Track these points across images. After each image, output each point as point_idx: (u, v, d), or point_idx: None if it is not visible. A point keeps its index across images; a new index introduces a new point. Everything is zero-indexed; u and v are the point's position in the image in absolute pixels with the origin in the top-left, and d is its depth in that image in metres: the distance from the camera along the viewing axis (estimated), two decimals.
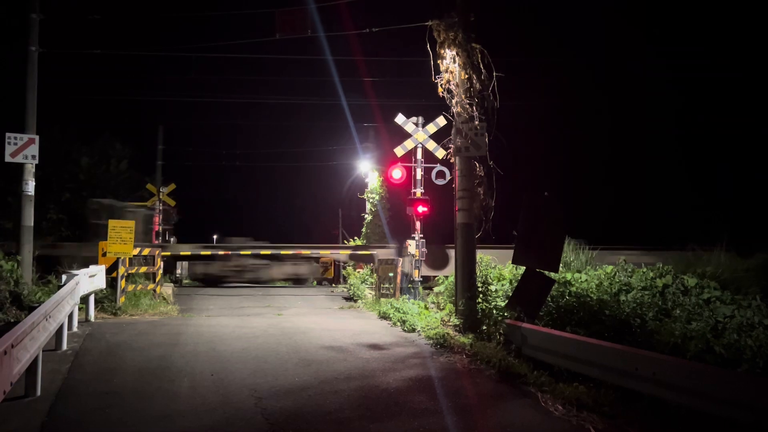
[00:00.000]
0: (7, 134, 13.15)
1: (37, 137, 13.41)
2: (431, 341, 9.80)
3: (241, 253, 19.49)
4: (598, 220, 24.73)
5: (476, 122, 10.97)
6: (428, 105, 14.44)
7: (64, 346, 8.82)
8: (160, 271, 14.72)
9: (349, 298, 16.36)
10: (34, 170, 13.58)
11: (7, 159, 13.18)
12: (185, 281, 21.54)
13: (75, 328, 10.32)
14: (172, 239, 29.78)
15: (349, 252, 19.62)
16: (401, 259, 15.50)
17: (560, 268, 9.80)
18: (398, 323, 11.56)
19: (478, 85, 11.04)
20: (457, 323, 10.66)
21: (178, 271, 21.97)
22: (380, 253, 17.82)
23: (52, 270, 14.01)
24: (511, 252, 9.21)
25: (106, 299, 12.82)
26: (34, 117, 13.68)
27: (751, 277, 10.90)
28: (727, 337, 7.18)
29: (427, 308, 12.76)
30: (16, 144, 13.18)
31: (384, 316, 12.55)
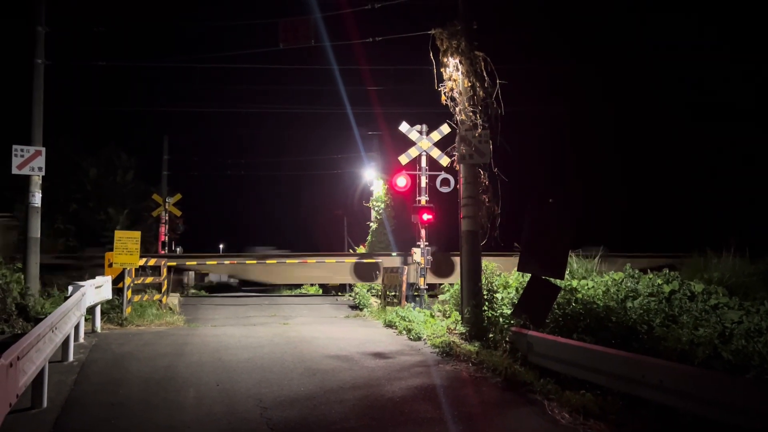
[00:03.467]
0: (14, 146, 13.20)
1: (43, 149, 13.46)
2: (437, 349, 9.77)
3: (247, 262, 19.52)
4: (608, 226, 24.58)
5: (480, 130, 10.98)
6: (432, 113, 14.47)
7: (71, 357, 8.83)
8: (166, 282, 14.75)
9: (355, 307, 16.34)
10: (40, 182, 13.65)
11: (14, 171, 13.22)
12: (191, 291, 21.57)
13: (81, 339, 10.33)
14: (178, 249, 29.86)
15: (354, 260, 19.62)
16: (406, 267, 15.49)
17: (566, 275, 9.76)
18: (404, 332, 11.53)
19: (481, 93, 11.06)
20: (463, 331, 10.63)
21: (185, 280, 22.02)
22: (385, 261, 17.80)
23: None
24: (516, 259, 9.19)
25: (112, 310, 12.85)
26: (40, 129, 13.75)
27: (759, 282, 10.82)
28: (735, 343, 7.12)
29: (432, 316, 12.72)
30: (23, 156, 13.24)
31: (389, 325, 12.52)
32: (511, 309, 9.53)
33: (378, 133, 22.43)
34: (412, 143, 15.38)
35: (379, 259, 18.34)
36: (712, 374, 5.57)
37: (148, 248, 24.77)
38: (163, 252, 25.67)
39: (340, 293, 21.51)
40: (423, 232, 15.18)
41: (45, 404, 6.46)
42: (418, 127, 15.37)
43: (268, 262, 19.55)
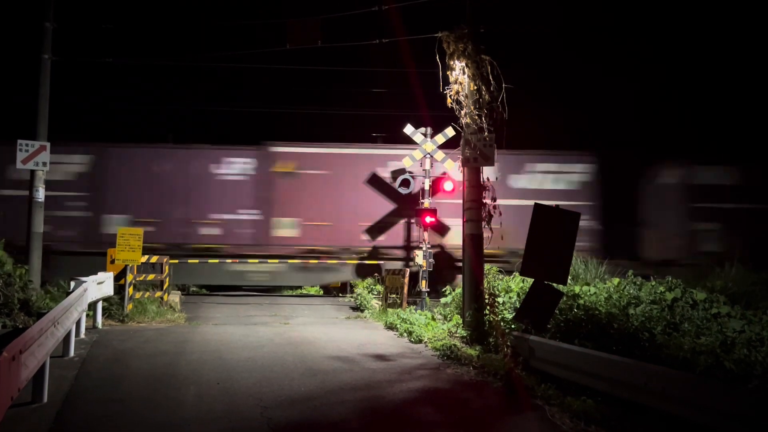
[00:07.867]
0: (19, 141, 13.27)
1: (48, 144, 13.52)
2: (438, 353, 9.76)
3: (249, 261, 19.49)
4: None
5: (485, 133, 10.98)
6: (437, 115, 14.49)
7: (72, 353, 8.84)
8: (168, 279, 14.75)
9: (356, 308, 16.33)
10: (44, 177, 13.70)
11: (18, 166, 13.30)
12: (192, 289, 21.55)
13: (83, 335, 10.35)
14: None
15: (356, 262, 19.60)
16: (408, 269, 15.48)
17: (568, 280, 9.73)
18: (405, 334, 11.52)
19: (487, 97, 11.06)
20: (465, 335, 10.62)
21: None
22: (388, 263, 17.80)
23: None
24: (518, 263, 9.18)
25: (113, 306, 12.86)
26: (45, 125, 13.79)
27: (761, 291, 10.80)
28: (737, 352, 7.11)
29: (434, 319, 12.71)
30: (27, 151, 13.30)
31: (391, 327, 12.51)
32: (512, 313, 9.52)
33: (382, 135, 22.38)
34: (416, 145, 15.41)
35: (382, 261, 18.34)
36: (713, 383, 5.56)
37: None
38: None
39: (341, 294, 21.48)
40: (426, 235, 15.18)
41: (45, 399, 6.46)
42: (422, 129, 15.39)
43: (270, 261, 19.53)
